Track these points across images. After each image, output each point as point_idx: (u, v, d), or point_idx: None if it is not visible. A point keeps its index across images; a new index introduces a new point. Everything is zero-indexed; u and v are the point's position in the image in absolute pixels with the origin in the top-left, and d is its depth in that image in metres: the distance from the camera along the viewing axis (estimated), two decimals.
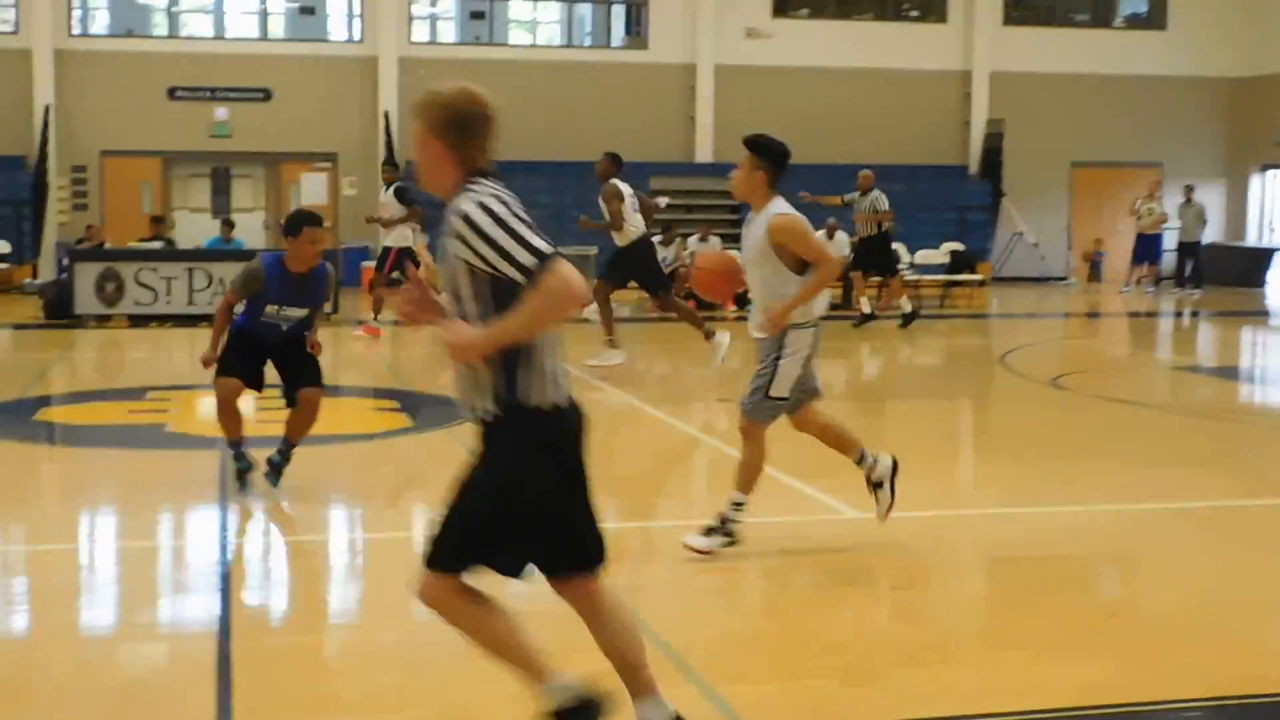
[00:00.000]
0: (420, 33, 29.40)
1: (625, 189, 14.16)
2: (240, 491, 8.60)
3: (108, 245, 22.55)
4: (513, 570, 4.17)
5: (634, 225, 14.18)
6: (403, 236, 17.72)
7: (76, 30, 27.67)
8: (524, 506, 4.06)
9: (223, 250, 21.88)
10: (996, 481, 9.89)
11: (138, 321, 19.54)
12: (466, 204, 3.95)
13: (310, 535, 8.30)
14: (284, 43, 29.18)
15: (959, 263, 26.29)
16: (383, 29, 27.72)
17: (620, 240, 14.22)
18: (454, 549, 4.11)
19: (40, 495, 9.38)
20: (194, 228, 25.92)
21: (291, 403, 8.67)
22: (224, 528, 8.19)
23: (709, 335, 13.91)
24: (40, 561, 7.58)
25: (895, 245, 21.66)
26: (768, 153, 6.92)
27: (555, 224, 25.47)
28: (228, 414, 8.56)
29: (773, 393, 6.99)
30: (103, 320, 19.48)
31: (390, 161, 18.86)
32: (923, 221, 27.13)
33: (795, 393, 7.07)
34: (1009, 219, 29.38)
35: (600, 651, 4.43)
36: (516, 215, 3.91)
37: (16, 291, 24.25)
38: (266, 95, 27.45)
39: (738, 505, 7.07)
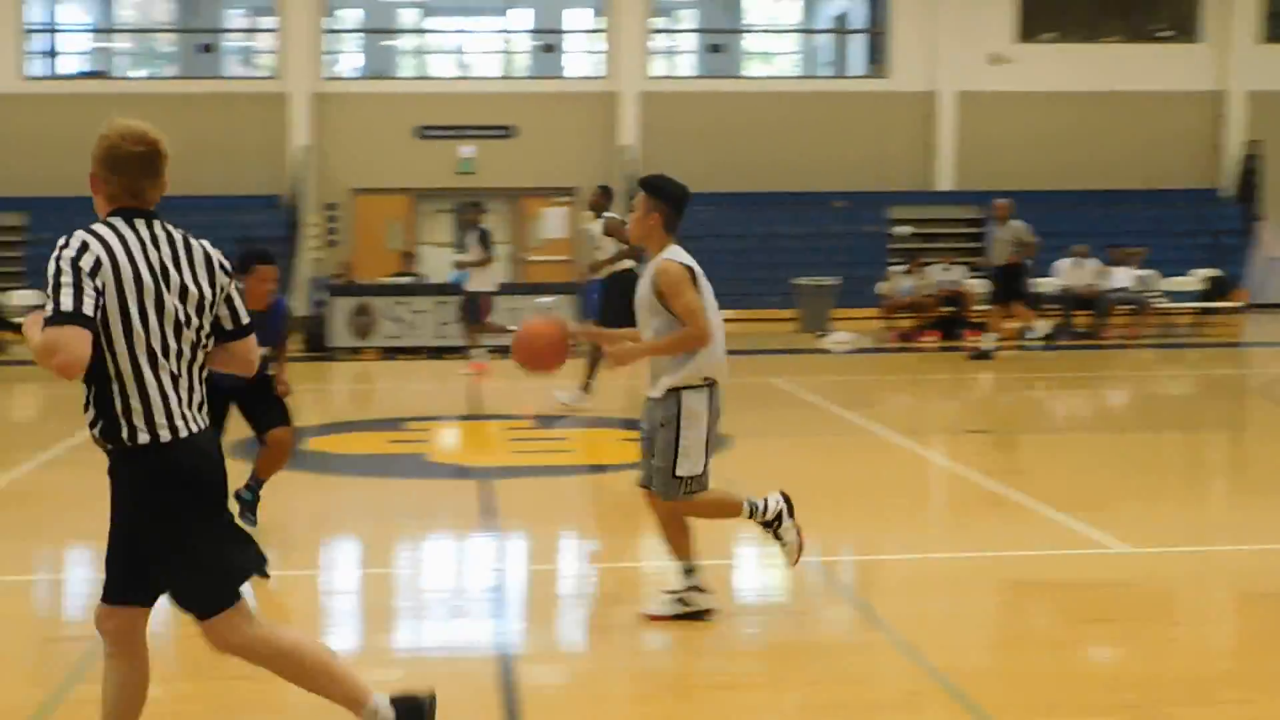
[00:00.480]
0: (659, 67, 29.70)
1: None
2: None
3: (359, 280, 23.24)
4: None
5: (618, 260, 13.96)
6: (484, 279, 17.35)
7: (330, 74, 28.67)
8: None
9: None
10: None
11: (388, 353, 20.11)
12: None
13: (575, 563, 8.39)
14: (526, 80, 29.81)
15: (1213, 289, 25.37)
16: (622, 65, 28.08)
17: (601, 274, 14.19)
18: None
19: (314, 523, 9.65)
20: (439, 262, 26.54)
21: (263, 443, 8.35)
22: (491, 553, 8.31)
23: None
24: (330, 585, 7.82)
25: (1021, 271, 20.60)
26: (662, 194, 6.35)
27: (800, 255, 25.48)
28: None
29: (680, 472, 6.24)
30: (355, 352, 20.09)
31: (474, 202, 18.19)
32: (1171, 247, 26.23)
33: (707, 465, 6.34)
34: (1267, 243, 28.26)
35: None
36: None
37: None
38: (510, 132, 28.01)
39: (689, 571, 6.48)
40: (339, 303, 20.56)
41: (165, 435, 4.02)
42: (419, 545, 8.68)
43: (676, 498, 6.29)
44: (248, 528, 8.06)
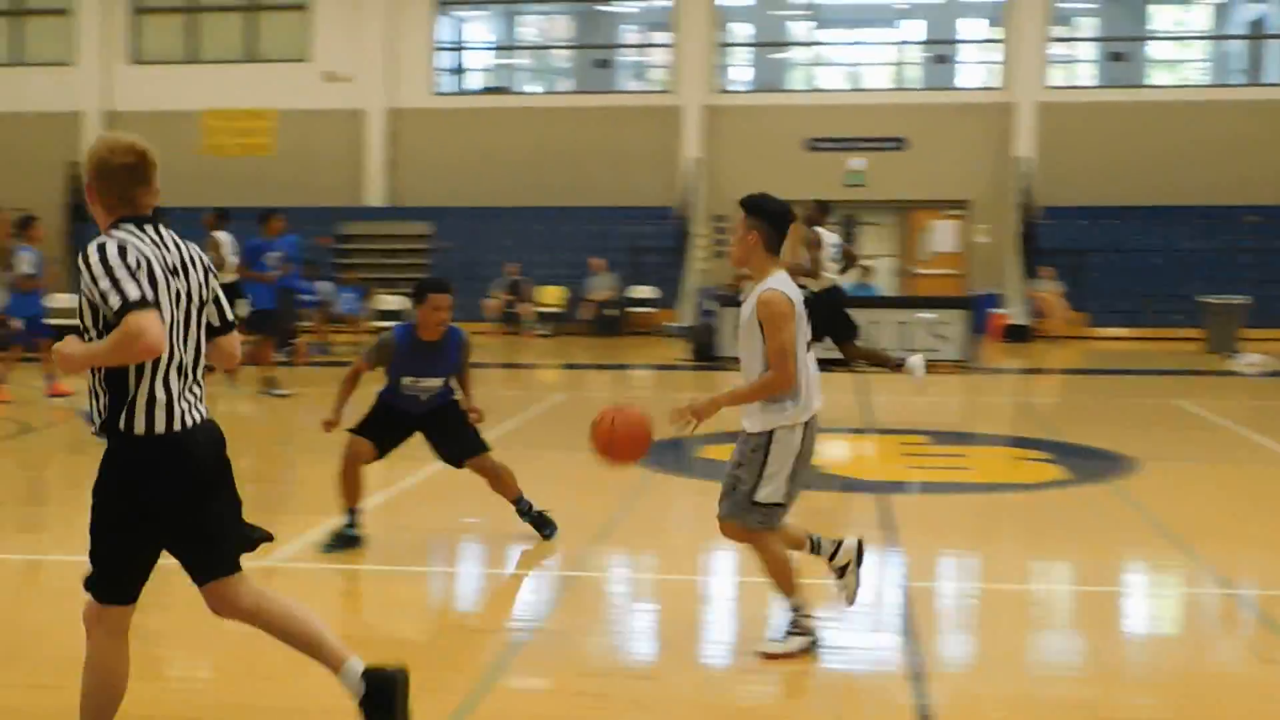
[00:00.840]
0: (1057, 77, 28.77)
1: (829, 237, 14.15)
2: (328, 551, 8.00)
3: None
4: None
5: (828, 274, 13.98)
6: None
7: (722, 87, 28.93)
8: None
9: (857, 297, 22.01)
10: None
11: None
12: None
13: (991, 583, 8.05)
14: (918, 91, 29.34)
15: None
16: (1018, 75, 27.32)
17: (814, 287, 13.81)
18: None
19: (699, 530, 9.59)
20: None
21: (459, 465, 8.29)
22: (896, 569, 8.06)
23: (898, 365, 13.69)
24: (732, 594, 7.74)
25: None
26: (760, 213, 6.03)
27: (1207, 271, 24.18)
28: (349, 477, 8.02)
29: (759, 497, 6.00)
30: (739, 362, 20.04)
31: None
32: None
33: (789, 499, 6.09)
34: None
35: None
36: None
37: (657, 334, 25.48)
38: (900, 144, 27.63)
39: (796, 609, 6.14)
40: (727, 313, 20.64)
41: (177, 426, 4.28)
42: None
43: (749, 524, 6.04)
44: (546, 538, 8.20)
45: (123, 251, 4.16)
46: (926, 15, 31.52)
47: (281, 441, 13.41)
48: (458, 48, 31.42)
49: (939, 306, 20.66)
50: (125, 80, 29.54)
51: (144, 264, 4.18)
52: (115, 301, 4.05)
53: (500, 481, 8.20)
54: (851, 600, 6.45)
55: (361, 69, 28.78)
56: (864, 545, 6.43)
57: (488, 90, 31.05)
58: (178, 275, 4.32)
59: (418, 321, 7.87)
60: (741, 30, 31.89)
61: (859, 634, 6.81)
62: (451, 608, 7.58)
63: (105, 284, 4.08)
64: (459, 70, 31.27)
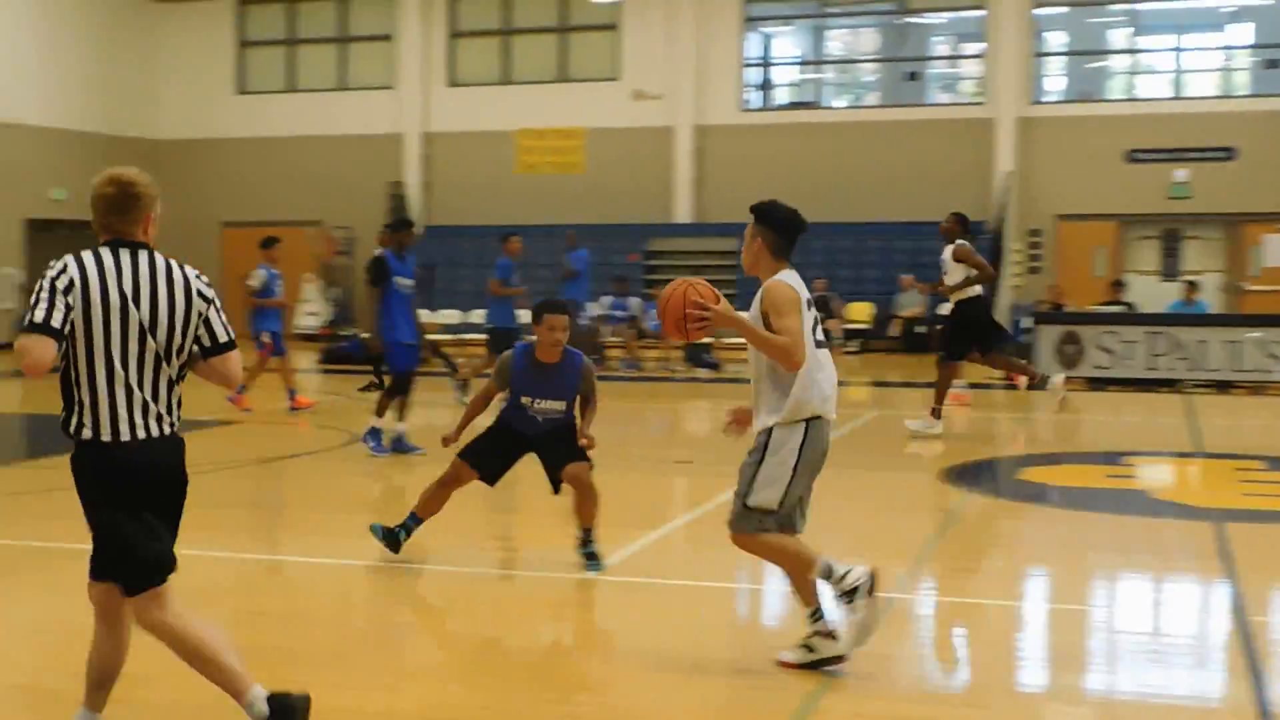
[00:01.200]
0: None
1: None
2: (377, 533, 8.05)
3: (1066, 308, 22.52)
4: None
5: (971, 287, 14.24)
6: None
7: (1037, 98, 28.11)
8: None
9: (1183, 315, 21.09)
10: None
11: (1096, 384, 19.30)
12: None
13: None
14: (1248, 99, 27.90)
15: None
16: None
17: (956, 298, 14.25)
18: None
19: (1053, 554, 9.20)
20: (1145, 291, 25.31)
21: (556, 490, 8.03)
22: (1231, 602, 7.54)
23: (1040, 383, 14.06)
24: (1059, 621, 7.40)
25: None
26: (767, 219, 6.05)
27: None
28: (438, 492, 7.99)
29: (751, 501, 5.89)
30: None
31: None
32: None
33: (788, 504, 5.92)
34: None
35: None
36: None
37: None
38: (1229, 154, 26.34)
39: (815, 616, 6.03)
40: (1044, 330, 20.01)
41: (107, 436, 4.59)
42: (1157, 585, 8.06)
43: (745, 530, 5.97)
44: (594, 574, 7.84)
45: (59, 274, 4.57)
46: (1255, 18, 29.92)
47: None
48: (764, 64, 31.37)
49: (1271, 325, 19.56)
50: (442, 102, 30.45)
51: (75, 287, 4.55)
52: (26, 317, 4.55)
53: (586, 501, 7.93)
54: (860, 641, 5.96)
55: (670, 87, 28.99)
56: (878, 577, 5.96)
57: (794, 105, 30.91)
58: (134, 297, 4.61)
59: (537, 342, 7.91)
60: (1056, 39, 30.90)
61: (1194, 672, 6.38)
62: (767, 627, 7.43)
63: (31, 301, 4.56)
64: (766, 86, 31.22)
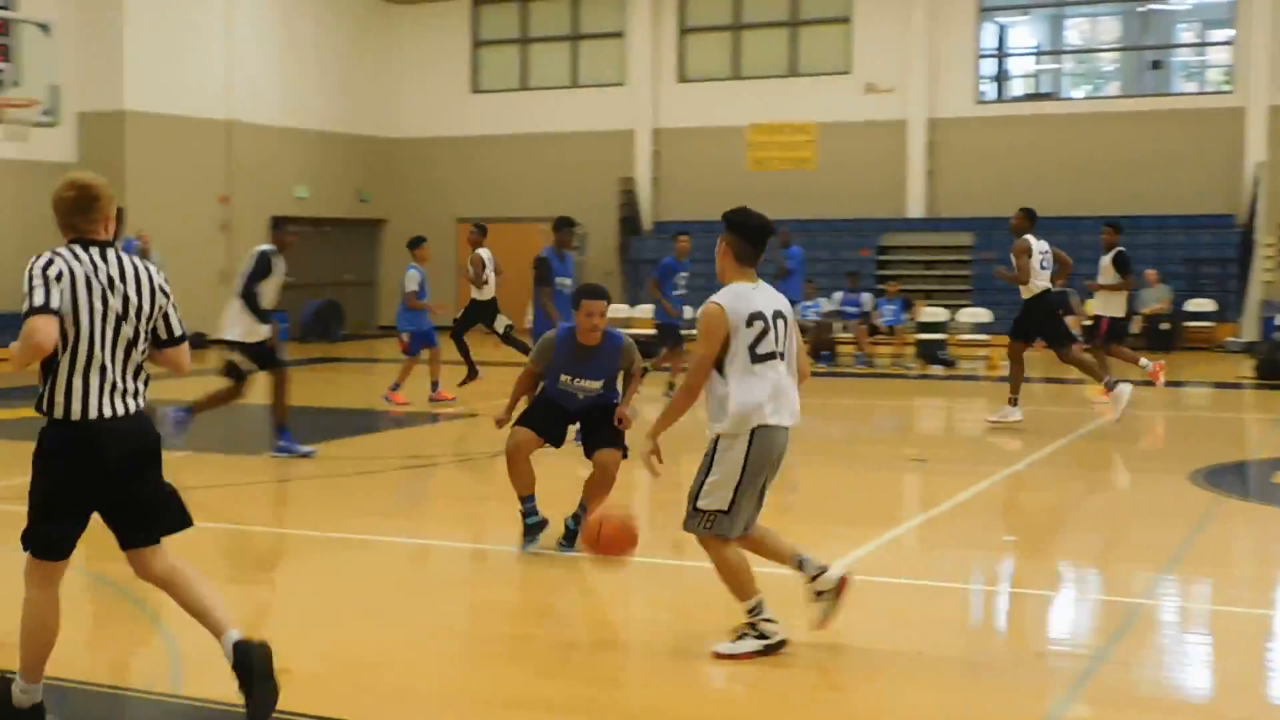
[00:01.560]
0: None
1: (1038, 245, 14.15)
2: (525, 547, 8.21)
3: None
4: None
5: (1039, 280, 14.24)
6: (1116, 305, 16.01)
7: None
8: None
9: None
10: None
11: None
12: None
13: None
14: None
15: None
16: None
17: (1025, 294, 14.36)
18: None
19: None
20: None
21: (589, 455, 8.27)
22: None
23: (1110, 386, 13.99)
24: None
25: None
26: (733, 226, 6.18)
27: None
28: (516, 466, 8.19)
29: (701, 504, 6.10)
30: None
31: (1110, 222, 16.06)
32: None
33: (741, 509, 6.09)
34: None
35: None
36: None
37: (1219, 349, 23.99)
38: None
39: (752, 611, 6.15)
40: None
41: (77, 415, 4.93)
42: None
43: (696, 531, 6.16)
44: (565, 553, 8.11)
45: (48, 265, 4.92)
46: None
47: (822, 452, 13.19)
48: (1000, 54, 30.64)
49: None
50: (672, 98, 30.48)
51: (65, 276, 4.91)
52: (26, 305, 4.86)
53: (600, 489, 8.07)
54: (823, 623, 6.25)
55: (902, 79, 28.52)
56: (848, 581, 6.23)
57: (1031, 96, 30.11)
58: (109, 288, 4.98)
59: (578, 325, 8.18)
60: None
61: None
62: (1008, 629, 7.21)
63: (26, 289, 4.88)
64: (1001, 77, 30.49)
